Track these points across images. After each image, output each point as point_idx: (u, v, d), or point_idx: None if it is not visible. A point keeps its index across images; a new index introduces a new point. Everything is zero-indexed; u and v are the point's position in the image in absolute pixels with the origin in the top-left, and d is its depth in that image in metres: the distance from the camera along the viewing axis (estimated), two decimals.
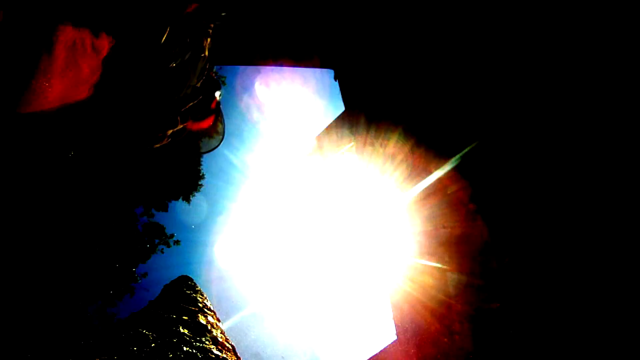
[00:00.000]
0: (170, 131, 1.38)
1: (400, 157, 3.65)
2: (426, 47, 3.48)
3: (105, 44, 0.72)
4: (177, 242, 15.29)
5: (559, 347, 1.95)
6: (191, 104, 1.36)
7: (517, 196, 2.33)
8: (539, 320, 2.07)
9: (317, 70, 5.70)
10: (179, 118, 1.35)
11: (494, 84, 2.67)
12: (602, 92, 1.93)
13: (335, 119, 5.62)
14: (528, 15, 2.42)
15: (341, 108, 5.43)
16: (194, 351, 2.11)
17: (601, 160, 1.88)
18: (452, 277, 2.78)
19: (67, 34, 0.60)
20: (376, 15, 4.34)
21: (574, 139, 2.04)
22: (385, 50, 4.16)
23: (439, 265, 2.94)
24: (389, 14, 4.11)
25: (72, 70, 0.66)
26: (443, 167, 2.98)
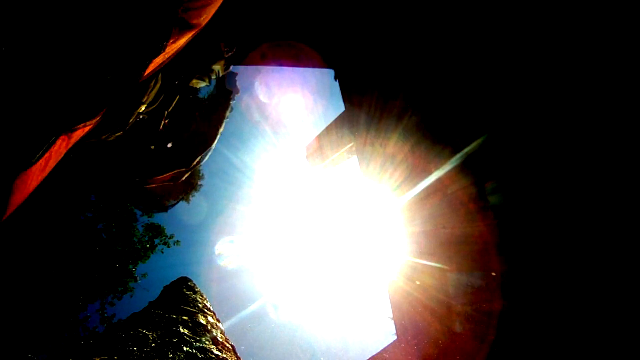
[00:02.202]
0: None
1: (400, 157, 3.65)
2: (425, 47, 3.48)
3: (79, 132, 0.73)
4: (177, 242, 15.27)
5: (560, 347, 1.95)
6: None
7: (523, 195, 2.33)
8: (540, 320, 2.07)
9: (317, 70, 5.71)
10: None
11: (493, 82, 2.67)
12: (604, 92, 1.93)
13: (335, 119, 5.62)
14: (521, 14, 2.42)
15: (341, 108, 5.43)
16: (194, 351, 2.11)
17: (606, 160, 1.88)
18: (452, 277, 2.78)
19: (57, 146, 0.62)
20: (376, 16, 4.34)
21: (580, 137, 2.03)
22: (385, 51, 4.16)
23: (439, 265, 2.94)
24: (389, 15, 4.11)
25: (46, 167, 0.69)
26: (443, 167, 2.98)
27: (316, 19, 4.99)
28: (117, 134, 1.05)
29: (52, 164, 0.67)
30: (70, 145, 0.70)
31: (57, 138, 0.63)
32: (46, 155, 0.62)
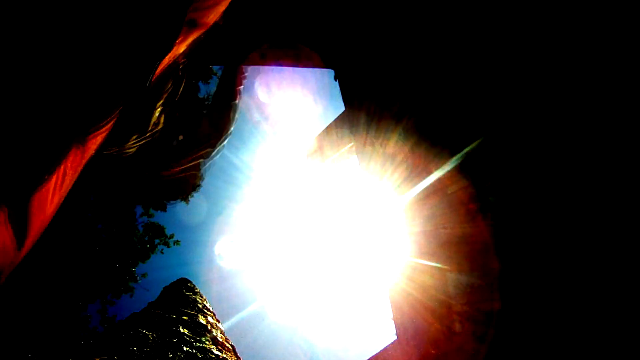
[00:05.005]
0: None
1: (400, 157, 3.65)
2: (426, 46, 3.49)
3: (93, 141, 0.71)
4: (177, 242, 15.27)
5: (560, 348, 1.95)
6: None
7: (521, 195, 2.33)
8: (539, 321, 2.08)
9: (317, 70, 5.71)
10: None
11: (494, 81, 2.67)
12: (603, 91, 1.93)
13: (335, 119, 5.62)
14: (525, 13, 2.43)
15: (341, 108, 5.43)
16: (194, 351, 2.11)
17: (604, 159, 1.88)
18: (452, 277, 2.78)
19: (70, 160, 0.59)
20: (376, 14, 4.34)
21: (577, 138, 2.04)
22: (385, 50, 4.16)
23: (439, 265, 2.94)
24: (389, 13, 4.11)
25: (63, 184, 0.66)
26: (443, 167, 2.98)
27: (317, 19, 4.99)
28: (138, 143, 1.04)
29: (69, 180, 0.63)
30: (86, 158, 0.67)
31: (69, 148, 0.60)
32: (60, 168, 0.59)
